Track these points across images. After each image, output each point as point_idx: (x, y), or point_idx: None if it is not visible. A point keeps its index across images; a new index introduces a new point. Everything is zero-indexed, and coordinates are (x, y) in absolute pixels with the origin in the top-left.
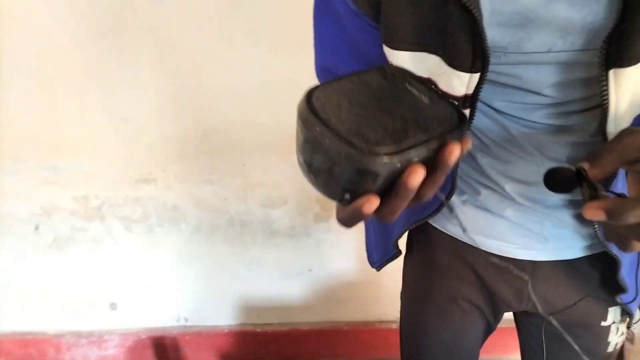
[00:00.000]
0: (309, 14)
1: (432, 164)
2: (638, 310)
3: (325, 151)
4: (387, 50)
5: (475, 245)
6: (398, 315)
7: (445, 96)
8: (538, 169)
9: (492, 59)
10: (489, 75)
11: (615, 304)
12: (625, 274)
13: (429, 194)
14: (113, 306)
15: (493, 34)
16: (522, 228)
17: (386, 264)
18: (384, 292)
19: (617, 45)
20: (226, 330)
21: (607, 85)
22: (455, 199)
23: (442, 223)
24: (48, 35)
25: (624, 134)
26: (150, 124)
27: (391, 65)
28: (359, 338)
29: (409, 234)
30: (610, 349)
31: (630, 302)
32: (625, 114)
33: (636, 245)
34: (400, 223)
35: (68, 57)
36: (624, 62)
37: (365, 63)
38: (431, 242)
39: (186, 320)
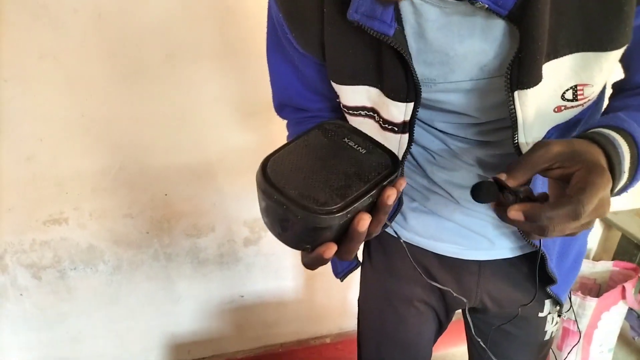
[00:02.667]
0: (224, 39)
1: (375, 206)
2: (567, 299)
3: (284, 215)
4: (333, 84)
5: (427, 249)
6: (330, 330)
7: (379, 144)
8: (478, 177)
9: (424, 89)
10: (426, 102)
11: (549, 296)
12: (554, 266)
13: (377, 230)
14: None
15: (422, 69)
16: (468, 230)
17: (349, 274)
18: (316, 309)
19: (517, 71)
20: None
21: (513, 104)
22: (406, 207)
23: (396, 229)
24: None
25: (535, 147)
26: (58, 159)
27: (330, 121)
28: (295, 358)
29: (365, 243)
30: (547, 337)
31: (560, 293)
32: (532, 128)
33: (535, 237)
34: None
35: None
36: (524, 84)
37: (318, 94)
38: (386, 249)
39: None
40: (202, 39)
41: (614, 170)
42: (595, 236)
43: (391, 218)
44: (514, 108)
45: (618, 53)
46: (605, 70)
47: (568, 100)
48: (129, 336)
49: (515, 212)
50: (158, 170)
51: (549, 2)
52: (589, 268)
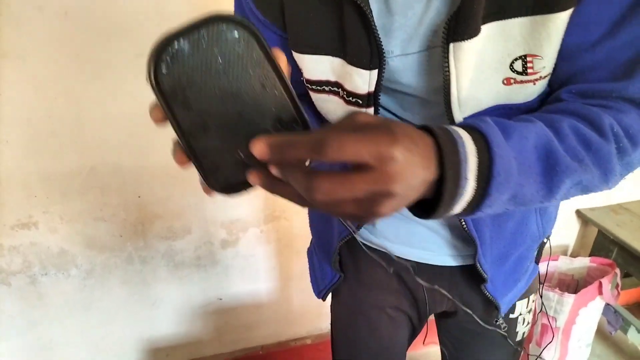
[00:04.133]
0: None
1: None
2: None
3: None
4: (295, 55)
5: (398, 255)
6: (310, 331)
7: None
8: None
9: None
10: (385, 84)
11: (524, 296)
12: (486, 263)
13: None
14: None
15: (382, 38)
16: (437, 235)
17: (330, 291)
18: (295, 310)
19: (455, 23)
20: None
21: (447, 59)
22: None
23: (367, 237)
24: None
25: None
26: (25, 162)
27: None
28: None
29: (339, 254)
30: (519, 337)
31: (498, 296)
32: (470, 96)
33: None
34: (333, 240)
35: None
36: (458, 35)
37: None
38: (359, 257)
39: None
40: None
41: (444, 171)
42: (572, 232)
43: (358, 225)
44: (447, 64)
45: (564, 17)
46: (553, 39)
47: (517, 72)
48: (104, 343)
49: (260, 144)
50: (130, 172)
51: None
52: (566, 264)
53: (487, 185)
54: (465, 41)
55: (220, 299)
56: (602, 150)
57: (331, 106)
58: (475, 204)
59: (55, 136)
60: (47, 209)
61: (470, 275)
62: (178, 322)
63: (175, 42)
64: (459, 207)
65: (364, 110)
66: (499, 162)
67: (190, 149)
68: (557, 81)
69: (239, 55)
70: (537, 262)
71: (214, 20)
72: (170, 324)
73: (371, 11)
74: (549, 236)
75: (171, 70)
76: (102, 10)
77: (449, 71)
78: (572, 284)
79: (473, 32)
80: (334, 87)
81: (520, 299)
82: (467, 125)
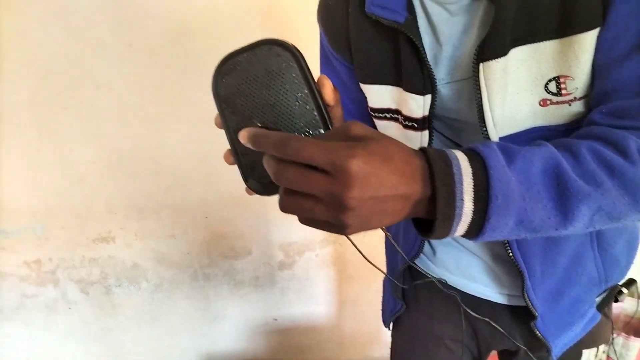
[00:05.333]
0: None
1: None
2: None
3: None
4: (361, 86)
5: (457, 288)
6: (362, 358)
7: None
8: None
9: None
10: (437, 110)
11: (592, 344)
12: (536, 298)
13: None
14: None
15: (433, 68)
16: (491, 270)
17: (393, 319)
18: (347, 336)
19: (484, 45)
20: None
21: (477, 78)
22: (437, 240)
23: (428, 266)
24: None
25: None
26: (108, 181)
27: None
28: None
29: (403, 282)
30: None
31: (549, 336)
32: (504, 116)
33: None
34: (397, 266)
35: (19, 118)
36: (485, 55)
37: (364, 112)
38: (420, 286)
39: None
40: None
41: (435, 189)
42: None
43: (418, 252)
44: (478, 82)
45: (590, 37)
46: (581, 59)
47: (552, 93)
48: (168, 354)
49: (244, 132)
50: (199, 194)
51: None
52: (632, 306)
53: (486, 208)
54: (493, 60)
55: (276, 320)
56: (627, 174)
57: (391, 132)
58: (477, 227)
59: (135, 158)
60: (125, 226)
61: (526, 314)
62: (235, 340)
63: (234, 58)
64: (460, 228)
65: (419, 133)
66: (496, 185)
67: (234, 148)
68: (593, 102)
69: (280, 72)
70: (600, 309)
71: (266, 43)
72: (229, 341)
73: (422, 44)
74: (619, 285)
75: (227, 80)
76: (182, 48)
77: (479, 89)
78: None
79: (500, 52)
80: (394, 114)
81: (587, 347)
82: (467, 148)
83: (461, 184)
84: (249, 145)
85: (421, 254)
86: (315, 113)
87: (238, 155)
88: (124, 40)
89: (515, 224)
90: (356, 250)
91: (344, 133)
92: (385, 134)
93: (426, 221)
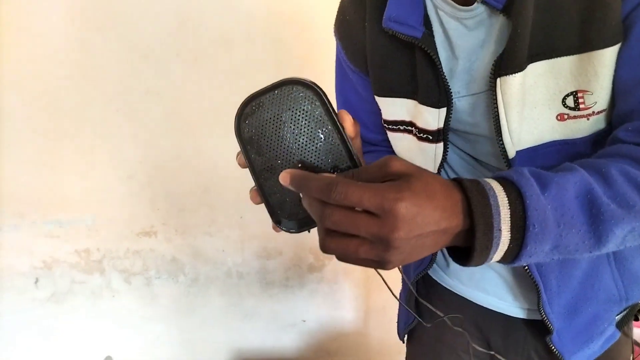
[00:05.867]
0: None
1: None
2: None
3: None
4: (377, 98)
5: (471, 300)
6: None
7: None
8: None
9: (453, 98)
10: (453, 123)
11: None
12: (552, 313)
13: None
14: (108, 359)
15: (448, 80)
16: (505, 283)
17: (407, 331)
18: (374, 344)
19: (501, 60)
20: None
21: (495, 92)
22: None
23: (441, 277)
24: (59, 98)
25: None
26: (153, 180)
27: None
28: None
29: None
30: None
31: (565, 352)
32: (521, 128)
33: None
34: (410, 277)
35: (77, 118)
36: (502, 70)
37: (380, 125)
38: (432, 297)
39: None
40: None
41: (474, 221)
42: None
43: (429, 263)
44: (495, 96)
45: (610, 53)
46: (600, 74)
47: (570, 108)
48: (200, 346)
49: (285, 174)
50: (235, 195)
51: None
52: None
53: (523, 236)
54: (510, 75)
55: (304, 321)
56: None
57: (405, 144)
58: (514, 254)
59: (178, 160)
60: (166, 222)
61: (541, 328)
62: (265, 337)
63: (255, 100)
64: (497, 256)
65: (433, 145)
66: (533, 214)
67: (260, 188)
68: (617, 118)
69: (304, 111)
70: (619, 328)
71: (288, 83)
72: (258, 338)
73: (437, 55)
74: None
75: (250, 122)
76: (223, 60)
77: (496, 103)
78: None
79: (517, 68)
80: (408, 127)
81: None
82: (501, 177)
83: (498, 215)
84: (290, 188)
85: (434, 265)
86: (341, 147)
87: (265, 195)
88: (171, 50)
89: (550, 249)
90: None
91: (384, 170)
92: (422, 167)
93: (462, 248)
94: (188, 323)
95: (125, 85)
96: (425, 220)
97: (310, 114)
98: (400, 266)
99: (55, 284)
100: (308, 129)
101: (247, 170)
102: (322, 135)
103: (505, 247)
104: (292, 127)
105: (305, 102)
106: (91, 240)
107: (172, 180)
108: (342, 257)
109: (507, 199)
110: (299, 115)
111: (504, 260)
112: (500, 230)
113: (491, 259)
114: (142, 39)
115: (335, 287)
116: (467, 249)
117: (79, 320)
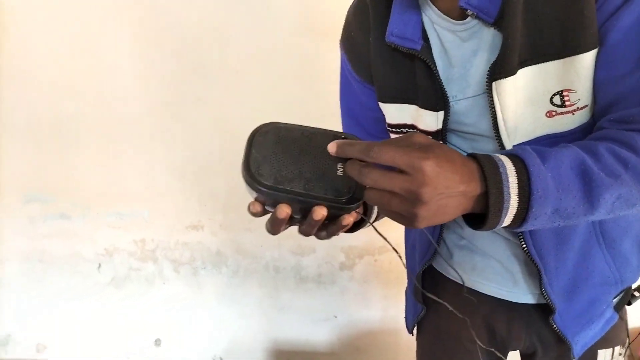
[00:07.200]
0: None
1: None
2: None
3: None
4: (381, 105)
5: (474, 289)
6: None
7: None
8: None
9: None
10: (451, 125)
11: (607, 345)
12: (553, 292)
13: (310, 233)
14: (158, 342)
15: (445, 86)
16: (507, 270)
17: (416, 323)
18: (403, 344)
19: (495, 66)
20: None
21: (491, 94)
22: (453, 244)
23: (445, 268)
24: (123, 105)
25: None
26: (202, 178)
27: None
28: None
29: (422, 286)
30: None
31: (567, 331)
32: (516, 128)
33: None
34: (417, 268)
35: (138, 124)
36: (497, 74)
37: (383, 132)
38: (438, 289)
39: (221, 359)
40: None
41: (487, 186)
42: None
43: (433, 255)
44: (492, 98)
45: (589, 57)
46: (581, 75)
47: (557, 105)
48: (238, 335)
49: (332, 144)
50: None
51: (520, 10)
52: None
53: (528, 200)
54: (504, 79)
55: (336, 317)
56: (638, 168)
57: None
58: (522, 216)
59: (223, 161)
60: (212, 217)
61: (543, 312)
62: (299, 330)
63: (251, 158)
64: (507, 219)
65: None
66: (536, 180)
67: (309, 194)
68: (599, 111)
69: (284, 132)
70: (617, 310)
71: (254, 133)
72: (294, 330)
73: (435, 65)
74: (632, 289)
75: (262, 172)
76: (264, 72)
77: (493, 104)
78: None
79: (510, 72)
80: (410, 129)
81: (603, 347)
82: (508, 152)
83: (507, 181)
84: (337, 155)
85: (438, 256)
86: (329, 133)
87: (317, 198)
88: (219, 62)
89: (552, 212)
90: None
91: (410, 140)
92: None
93: (475, 218)
94: (229, 312)
95: (178, 94)
96: (447, 181)
97: (288, 132)
98: (405, 260)
99: (115, 270)
100: (300, 142)
101: None
102: (307, 138)
103: (515, 211)
104: (292, 147)
105: (279, 130)
106: (146, 231)
107: (218, 180)
108: (380, 208)
109: (514, 168)
110: (283, 136)
111: (513, 224)
112: (509, 194)
113: (502, 222)
114: (192, 55)
115: (365, 285)
116: (480, 217)
117: (133, 304)
